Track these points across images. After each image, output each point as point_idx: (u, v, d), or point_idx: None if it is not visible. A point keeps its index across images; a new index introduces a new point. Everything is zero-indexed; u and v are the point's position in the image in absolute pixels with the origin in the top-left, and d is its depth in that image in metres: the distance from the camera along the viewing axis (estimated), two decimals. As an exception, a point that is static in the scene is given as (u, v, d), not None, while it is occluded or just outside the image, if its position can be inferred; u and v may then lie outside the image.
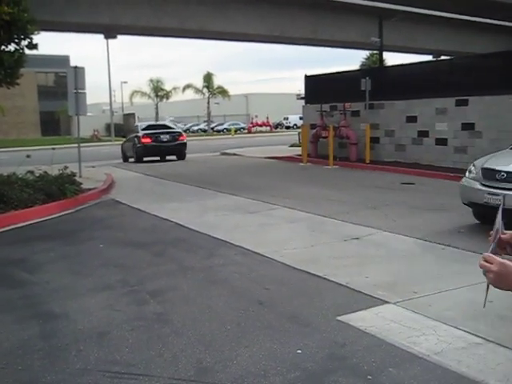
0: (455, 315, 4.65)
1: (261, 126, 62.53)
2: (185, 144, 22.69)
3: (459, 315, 4.65)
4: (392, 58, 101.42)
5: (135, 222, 9.37)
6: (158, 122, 26.91)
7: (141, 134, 21.98)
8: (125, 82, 69.82)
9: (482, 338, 4.19)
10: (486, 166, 8.13)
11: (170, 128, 24.14)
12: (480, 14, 29.65)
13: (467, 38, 33.20)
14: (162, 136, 22.00)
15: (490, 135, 14.97)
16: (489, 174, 7.92)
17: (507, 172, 7.64)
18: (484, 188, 7.80)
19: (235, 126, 62.01)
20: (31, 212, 9.70)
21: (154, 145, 21.63)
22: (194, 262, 6.63)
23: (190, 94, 63.56)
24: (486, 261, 1.65)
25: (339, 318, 4.62)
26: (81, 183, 12.38)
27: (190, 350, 4.08)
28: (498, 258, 1.61)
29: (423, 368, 3.75)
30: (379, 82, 18.57)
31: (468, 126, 15.61)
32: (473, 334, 4.26)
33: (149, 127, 23.27)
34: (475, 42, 32.93)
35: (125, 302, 5.24)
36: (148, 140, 21.60)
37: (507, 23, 33.08)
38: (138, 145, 21.74)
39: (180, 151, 22.40)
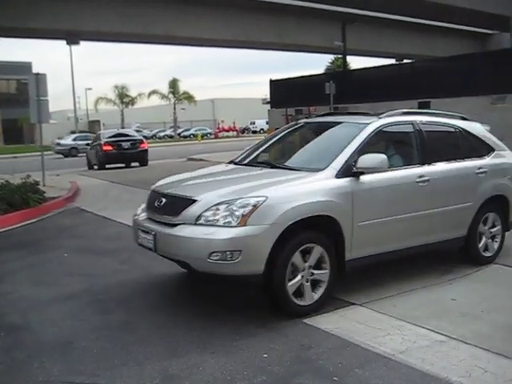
0: (419, 314, 4.71)
1: (227, 131, 62.56)
2: (146, 151, 23.37)
3: (423, 314, 4.72)
4: (356, 62, 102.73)
5: (101, 230, 9.25)
6: (120, 130, 27.18)
7: (103, 141, 22.48)
8: (89, 89, 68.89)
9: (445, 335, 4.26)
10: (157, 187, 5.83)
11: (131, 136, 24.68)
12: (441, 19, 30.29)
13: (429, 42, 33.90)
14: (123, 143, 22.67)
15: (452, 136, 15.27)
16: (151, 201, 5.57)
17: (169, 196, 5.20)
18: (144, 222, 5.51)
19: (202, 132, 61.90)
20: (-7, 222, 9.48)
21: (116, 152, 22.23)
22: (160, 268, 6.56)
23: (155, 100, 63.47)
24: None
25: (305, 320, 4.64)
26: (44, 192, 12.15)
27: (155, 357, 4.04)
28: None
29: (388, 368, 3.78)
30: (343, 86, 18.80)
31: (431, 128, 15.89)
32: (436, 332, 4.33)
33: (111, 135, 23.73)
34: (437, 45, 33.64)
35: (90, 311, 5.16)
36: (109, 148, 22.19)
37: (467, 27, 33.91)
38: (101, 152, 22.23)
39: (142, 158, 23.05)
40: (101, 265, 6.89)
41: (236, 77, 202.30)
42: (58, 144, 38.60)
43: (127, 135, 24.49)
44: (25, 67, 51.49)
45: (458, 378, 3.58)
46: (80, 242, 8.35)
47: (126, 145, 22.66)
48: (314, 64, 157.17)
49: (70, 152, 37.01)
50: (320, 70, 54.28)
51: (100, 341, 4.39)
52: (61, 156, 36.62)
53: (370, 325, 4.50)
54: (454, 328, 4.38)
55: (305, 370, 3.78)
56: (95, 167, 22.74)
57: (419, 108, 16.09)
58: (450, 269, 6.07)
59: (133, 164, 22.86)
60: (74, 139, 38.80)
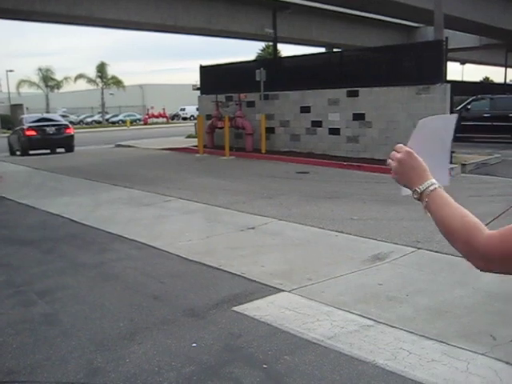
0: (348, 300, 4.77)
1: (157, 117, 61.53)
2: (72, 136, 22.42)
3: (351, 299, 4.78)
4: (288, 50, 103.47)
5: (23, 219, 8.85)
6: (45, 115, 26.11)
7: (26, 126, 21.48)
8: (11, 71, 65.84)
9: (372, 320, 4.33)
10: None
11: (56, 120, 23.70)
12: (370, 10, 30.87)
13: (358, 32, 34.56)
14: (47, 128, 21.69)
15: (380, 125, 15.62)
16: None
17: None
18: None
19: (131, 118, 60.56)
20: None
21: (39, 138, 21.28)
22: (86, 258, 6.36)
23: (82, 85, 61.54)
24: (396, 150, 1.45)
25: (235, 308, 4.60)
26: (-39, 179, 11.53)
27: (80, 350, 3.89)
28: (408, 148, 1.43)
29: (317, 353, 3.80)
30: (274, 73, 18.80)
31: (359, 116, 16.19)
32: (364, 317, 4.39)
33: (35, 119, 22.74)
34: (366, 36, 34.35)
35: (9, 304, 4.91)
36: (33, 133, 21.21)
37: (395, 20, 34.76)
38: (23, 138, 21.25)
39: (67, 144, 22.08)
40: (23, 255, 6.59)
41: (167, 62, 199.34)
42: None
43: (52, 120, 23.54)
44: None
45: (384, 361, 3.64)
46: (0, 231, 7.96)
47: (50, 130, 21.67)
48: (246, 51, 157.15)
49: None
50: (251, 57, 54.34)
51: (20, 335, 4.19)
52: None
53: (299, 311, 4.51)
54: (381, 312, 4.47)
55: (234, 358, 3.74)
56: (18, 153, 21.77)
57: (348, 96, 16.39)
58: (377, 254, 6.19)
59: (58, 150, 21.99)
60: None
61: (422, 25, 36.46)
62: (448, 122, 1.55)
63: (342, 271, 5.58)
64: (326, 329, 4.17)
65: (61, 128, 22.25)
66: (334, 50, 34.74)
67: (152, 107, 63.91)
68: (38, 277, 5.69)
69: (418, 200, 1.38)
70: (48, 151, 21.52)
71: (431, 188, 1.35)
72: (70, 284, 5.43)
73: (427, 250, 6.37)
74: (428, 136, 1.49)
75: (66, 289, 5.29)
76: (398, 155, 1.42)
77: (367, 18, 33.45)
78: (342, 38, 34.52)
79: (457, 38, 35.81)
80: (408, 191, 1.43)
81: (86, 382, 3.47)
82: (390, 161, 1.45)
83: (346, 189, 11.18)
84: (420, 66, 15.21)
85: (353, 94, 16.37)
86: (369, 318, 4.36)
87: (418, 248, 6.42)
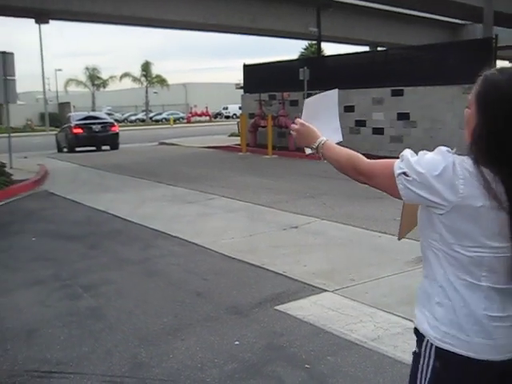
0: (391, 301, 4.70)
1: (200, 115, 62.07)
2: (117, 134, 22.88)
3: (395, 301, 4.71)
4: (331, 49, 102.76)
5: (69, 214, 9.06)
6: (91, 113, 26.72)
7: (73, 124, 21.99)
8: (59, 70, 67.38)
9: (416, 323, 4.25)
10: None
11: (102, 118, 24.27)
12: (415, 8, 30.40)
13: (403, 31, 34.07)
14: (93, 126, 22.20)
15: (424, 125, 15.37)
16: None
17: None
18: None
19: (174, 116, 61.25)
20: (-43, 205, 9.22)
21: (86, 135, 21.75)
22: (129, 254, 6.47)
23: (127, 83, 62.38)
24: (294, 124, 1.99)
25: (277, 307, 4.59)
26: (11, 174, 11.89)
27: (124, 345, 3.95)
28: (301, 120, 1.98)
29: (360, 355, 3.76)
30: (317, 72, 18.71)
31: (403, 116, 15.96)
32: (408, 319, 4.31)
33: (81, 117, 23.26)
34: (410, 34, 33.83)
35: (56, 297, 5.03)
36: (80, 130, 21.70)
37: (440, 17, 34.13)
38: (70, 135, 21.76)
39: (113, 141, 22.54)
40: (69, 249, 6.74)
41: (210, 61, 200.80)
42: None
43: (98, 118, 24.05)
44: (-8, 46, 50.18)
45: (429, 366, 3.57)
46: (48, 226, 8.16)
47: (96, 128, 22.19)
48: (289, 49, 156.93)
49: None
50: (294, 56, 54.17)
51: (67, 328, 4.29)
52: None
53: (342, 312, 4.48)
54: (426, 315, 4.38)
55: (277, 357, 3.73)
56: (65, 150, 22.32)
57: (393, 96, 16.17)
58: (421, 256, 6.07)
59: (103, 147, 22.44)
60: None
61: (469, 22, 35.69)
62: (330, 96, 2.09)
63: (385, 272, 5.51)
64: (369, 330, 4.12)
65: (106, 126, 22.74)
66: (378, 48, 34.38)
67: (195, 106, 64.53)
68: (83, 271, 5.81)
69: (317, 153, 1.93)
70: (94, 148, 21.98)
71: (322, 142, 1.91)
72: (114, 279, 5.53)
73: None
74: (315, 109, 2.03)
75: (110, 283, 5.38)
76: (296, 126, 1.98)
77: (412, 15, 32.94)
78: (386, 36, 34.10)
79: (505, 36, 34.90)
80: (309, 150, 1.97)
81: (130, 376, 3.52)
82: (291, 131, 2.01)
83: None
84: (467, 65, 14.84)
85: (397, 94, 16.15)
86: (413, 321, 4.28)
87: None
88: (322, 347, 3.86)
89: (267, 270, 5.66)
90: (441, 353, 1.67)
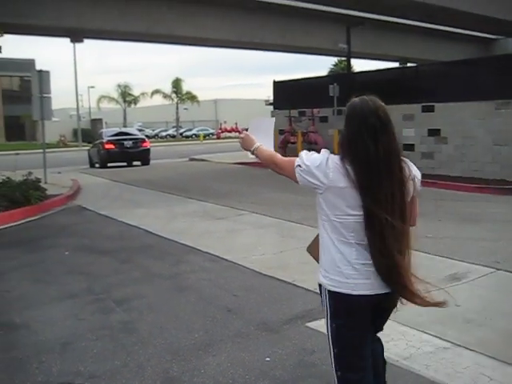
0: (423, 320, 4.65)
1: (230, 131, 62.41)
2: (148, 150, 23.24)
3: (427, 320, 4.65)
4: (360, 65, 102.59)
5: (102, 229, 9.20)
6: (123, 129, 27.19)
7: (105, 140, 22.45)
8: (92, 87, 69.03)
9: (449, 342, 4.20)
10: None
11: (133, 134, 24.68)
12: (445, 23, 30.23)
13: (433, 46, 33.85)
14: (125, 142, 22.59)
15: (456, 141, 15.22)
16: None
17: None
18: None
19: (204, 132, 61.84)
20: (-7, 219, 9.44)
21: (117, 151, 22.16)
22: (161, 269, 6.53)
23: (158, 100, 63.42)
24: (241, 133, 2.94)
25: (308, 324, 4.58)
26: (46, 189, 12.12)
27: (156, 359, 3.99)
28: (247, 132, 2.89)
29: (393, 373, 3.71)
30: (347, 88, 18.71)
31: (434, 132, 15.84)
32: (440, 339, 4.27)
33: (113, 133, 23.76)
34: (441, 50, 33.59)
35: (89, 310, 5.11)
36: (111, 146, 22.11)
37: (471, 32, 33.84)
38: (102, 151, 22.19)
39: (144, 157, 22.90)
40: (101, 264, 6.85)
41: (239, 78, 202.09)
42: None
43: (129, 134, 24.45)
44: (28, 64, 51.41)
45: (463, 386, 3.52)
46: (81, 240, 8.30)
47: (128, 144, 22.57)
48: (318, 66, 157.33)
49: None
50: (323, 72, 54.28)
51: (100, 341, 4.35)
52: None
53: (373, 330, 4.44)
54: (459, 334, 4.33)
55: (308, 374, 3.72)
56: (97, 165, 22.71)
57: (423, 112, 16.06)
58: (453, 274, 6.01)
59: (135, 163, 22.75)
60: None
61: (501, 37, 35.29)
62: (270, 121, 3.07)
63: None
64: (401, 349, 4.08)
65: (137, 142, 23.08)
66: (408, 64, 34.21)
67: (225, 122, 64.96)
68: (115, 285, 5.89)
69: (252, 154, 2.78)
70: (125, 164, 22.28)
71: (256, 147, 2.75)
72: (146, 293, 5.59)
73: (507, 271, 6.12)
74: (258, 127, 2.96)
75: (142, 298, 5.45)
76: (242, 135, 2.87)
77: (441, 30, 32.70)
78: (416, 52, 33.91)
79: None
80: (249, 154, 2.80)
81: (162, 391, 3.55)
82: (239, 136, 2.90)
83: (420, 206, 10.92)
84: (500, 80, 14.70)
85: (428, 110, 16.06)
86: (445, 340, 4.23)
87: (498, 269, 6.18)
88: (354, 365, 3.83)
89: (298, 286, 5.66)
90: (333, 294, 2.49)
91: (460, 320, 4.68)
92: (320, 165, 2.42)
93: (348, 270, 2.44)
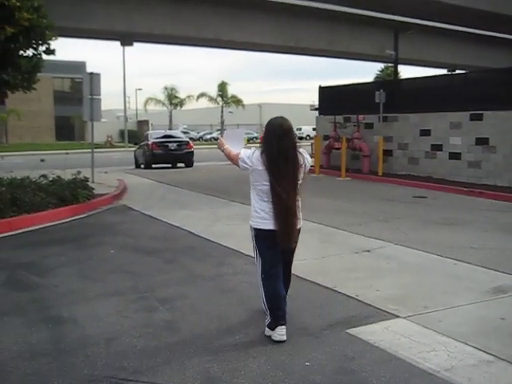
0: (466, 331, 4.59)
1: (273, 135, 62.41)
2: (192, 152, 23.69)
3: (470, 331, 4.59)
4: (407, 71, 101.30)
5: (146, 229, 9.38)
6: (168, 132, 27.74)
7: (150, 141, 23.02)
8: (139, 89, 70.04)
9: (493, 355, 4.12)
10: None
11: (178, 137, 25.16)
12: (494, 29, 29.57)
13: (482, 53, 33.14)
14: (170, 144, 23.11)
15: (505, 150, 14.89)
16: None
17: None
18: None
19: (248, 136, 62.01)
20: (43, 216, 9.75)
21: (162, 153, 22.67)
22: (203, 270, 6.62)
23: (204, 103, 63.86)
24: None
25: (349, 330, 4.58)
26: (93, 188, 12.44)
27: (197, 358, 4.06)
28: (221, 138, 4.75)
29: (433, 384, 3.69)
30: (393, 95, 18.55)
31: (482, 141, 15.53)
32: (484, 352, 4.20)
33: (159, 136, 24.28)
34: (490, 56, 32.85)
35: (134, 308, 5.23)
36: (156, 148, 22.64)
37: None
38: (148, 152, 22.78)
39: (188, 159, 23.39)
40: (146, 263, 6.99)
41: (284, 82, 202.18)
42: None
43: (174, 136, 24.87)
44: (78, 66, 52.87)
45: (506, 400, 3.47)
46: (126, 239, 8.49)
47: (172, 146, 23.06)
48: (363, 72, 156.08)
49: None
50: (369, 78, 53.82)
51: (143, 338, 4.45)
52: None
53: (414, 339, 4.41)
54: (503, 348, 4.25)
55: (348, 381, 3.73)
56: (142, 166, 23.18)
57: (471, 120, 15.76)
58: (499, 286, 5.90)
59: (179, 165, 23.17)
60: None
61: (555, 45, 34.25)
62: (240, 131, 5.26)
63: (460, 301, 5.38)
64: (443, 360, 4.04)
65: (182, 144, 23.49)
66: (457, 71, 33.57)
67: (268, 126, 64.96)
68: (159, 285, 6.00)
69: (222, 151, 4.68)
70: (169, 165, 22.67)
71: (224, 148, 4.63)
72: (189, 294, 5.68)
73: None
74: (230, 135, 4.87)
75: (185, 298, 5.54)
76: (219, 140, 4.76)
77: (490, 36, 31.93)
78: (465, 58, 33.25)
79: None
80: (220, 151, 4.71)
81: (202, 390, 3.61)
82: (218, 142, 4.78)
83: (465, 216, 10.75)
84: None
85: (476, 118, 15.76)
86: (489, 354, 4.16)
87: (544, 283, 6.03)
88: (394, 374, 3.82)
89: (339, 292, 5.66)
90: (255, 230, 4.39)
91: (505, 333, 4.60)
92: (249, 156, 4.36)
93: (262, 214, 4.34)
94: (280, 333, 4.33)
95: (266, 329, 4.45)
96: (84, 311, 5.14)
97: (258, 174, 4.27)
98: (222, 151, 4.64)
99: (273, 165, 4.18)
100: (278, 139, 4.21)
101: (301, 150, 4.41)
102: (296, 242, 4.44)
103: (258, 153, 4.28)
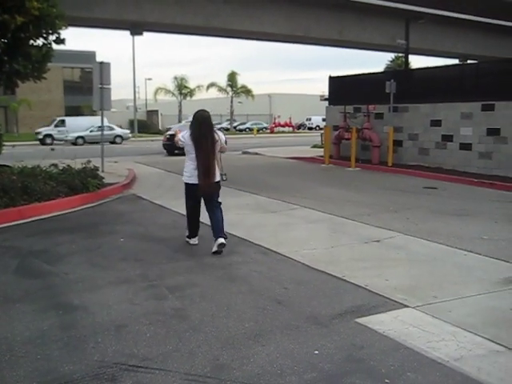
0: (476, 322, 4.58)
1: (283, 126, 62.42)
2: None
3: (480, 322, 4.58)
4: (417, 61, 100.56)
5: (156, 218, 9.41)
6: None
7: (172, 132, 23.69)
8: (149, 79, 70.24)
9: (503, 345, 4.12)
10: None
11: None
12: (506, 18, 29.26)
13: (494, 42, 32.84)
14: None
15: (516, 141, 14.76)
16: None
17: None
18: None
19: (257, 126, 62.01)
20: (54, 204, 9.81)
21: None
22: (213, 259, 6.65)
23: (213, 93, 63.81)
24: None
25: (358, 319, 4.59)
26: (103, 177, 12.48)
27: (206, 346, 4.08)
28: (179, 135, 7.24)
29: (442, 374, 3.69)
30: (404, 85, 18.43)
31: (493, 132, 15.42)
32: (493, 342, 4.19)
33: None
34: (502, 46, 32.55)
35: (144, 296, 5.26)
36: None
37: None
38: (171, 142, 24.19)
39: None
40: (156, 251, 7.02)
41: (294, 72, 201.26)
42: (37, 133, 41.23)
43: None
44: (88, 56, 52.83)
45: (515, 390, 3.46)
46: (136, 228, 8.52)
47: None
48: (373, 62, 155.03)
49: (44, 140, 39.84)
50: (379, 68, 53.55)
51: (153, 326, 4.48)
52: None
53: (423, 329, 4.41)
54: (513, 338, 4.24)
55: (356, 369, 3.74)
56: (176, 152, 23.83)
57: (483, 110, 15.64)
58: (509, 277, 5.88)
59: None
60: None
61: None
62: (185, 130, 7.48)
63: (470, 292, 5.37)
64: (452, 349, 4.04)
65: None
66: (468, 61, 33.31)
67: (278, 116, 64.95)
68: (169, 273, 6.03)
69: (177, 143, 7.41)
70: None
71: (175, 139, 7.44)
72: (198, 282, 5.70)
73: None
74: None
75: (194, 286, 5.56)
76: (176, 136, 7.36)
77: (504, 26, 31.57)
78: (477, 48, 32.97)
79: None
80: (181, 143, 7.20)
81: (212, 377, 3.63)
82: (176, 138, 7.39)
83: (475, 206, 10.70)
84: None
85: (488, 108, 15.64)
86: (499, 344, 4.15)
87: (557, 274, 6.00)
88: (403, 363, 3.82)
89: (348, 282, 5.66)
90: (185, 184, 7.12)
91: (515, 324, 4.58)
92: (183, 136, 6.96)
93: (191, 172, 6.88)
94: (193, 241, 7.32)
95: (187, 238, 7.40)
96: (94, 299, 5.17)
97: (189, 147, 6.86)
98: (177, 142, 7.23)
99: (197, 141, 6.76)
100: (199, 124, 6.81)
101: (217, 131, 7.04)
102: (216, 190, 7.05)
103: (188, 133, 6.86)
